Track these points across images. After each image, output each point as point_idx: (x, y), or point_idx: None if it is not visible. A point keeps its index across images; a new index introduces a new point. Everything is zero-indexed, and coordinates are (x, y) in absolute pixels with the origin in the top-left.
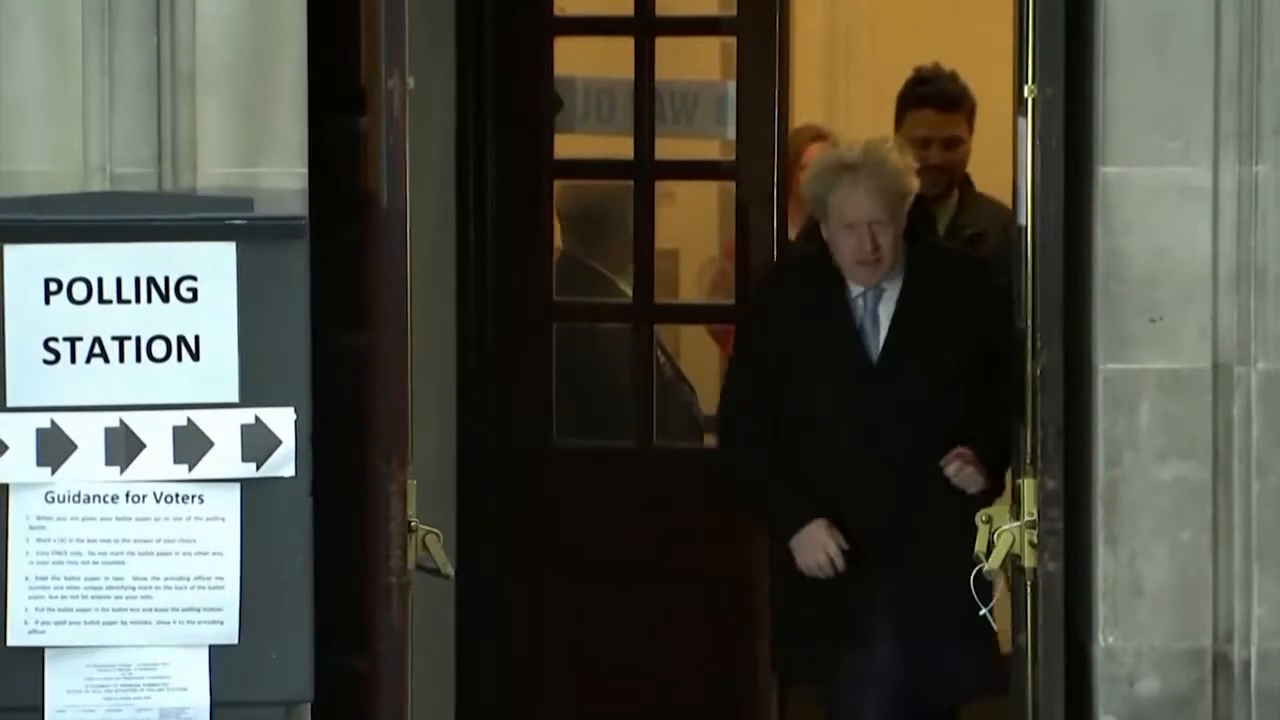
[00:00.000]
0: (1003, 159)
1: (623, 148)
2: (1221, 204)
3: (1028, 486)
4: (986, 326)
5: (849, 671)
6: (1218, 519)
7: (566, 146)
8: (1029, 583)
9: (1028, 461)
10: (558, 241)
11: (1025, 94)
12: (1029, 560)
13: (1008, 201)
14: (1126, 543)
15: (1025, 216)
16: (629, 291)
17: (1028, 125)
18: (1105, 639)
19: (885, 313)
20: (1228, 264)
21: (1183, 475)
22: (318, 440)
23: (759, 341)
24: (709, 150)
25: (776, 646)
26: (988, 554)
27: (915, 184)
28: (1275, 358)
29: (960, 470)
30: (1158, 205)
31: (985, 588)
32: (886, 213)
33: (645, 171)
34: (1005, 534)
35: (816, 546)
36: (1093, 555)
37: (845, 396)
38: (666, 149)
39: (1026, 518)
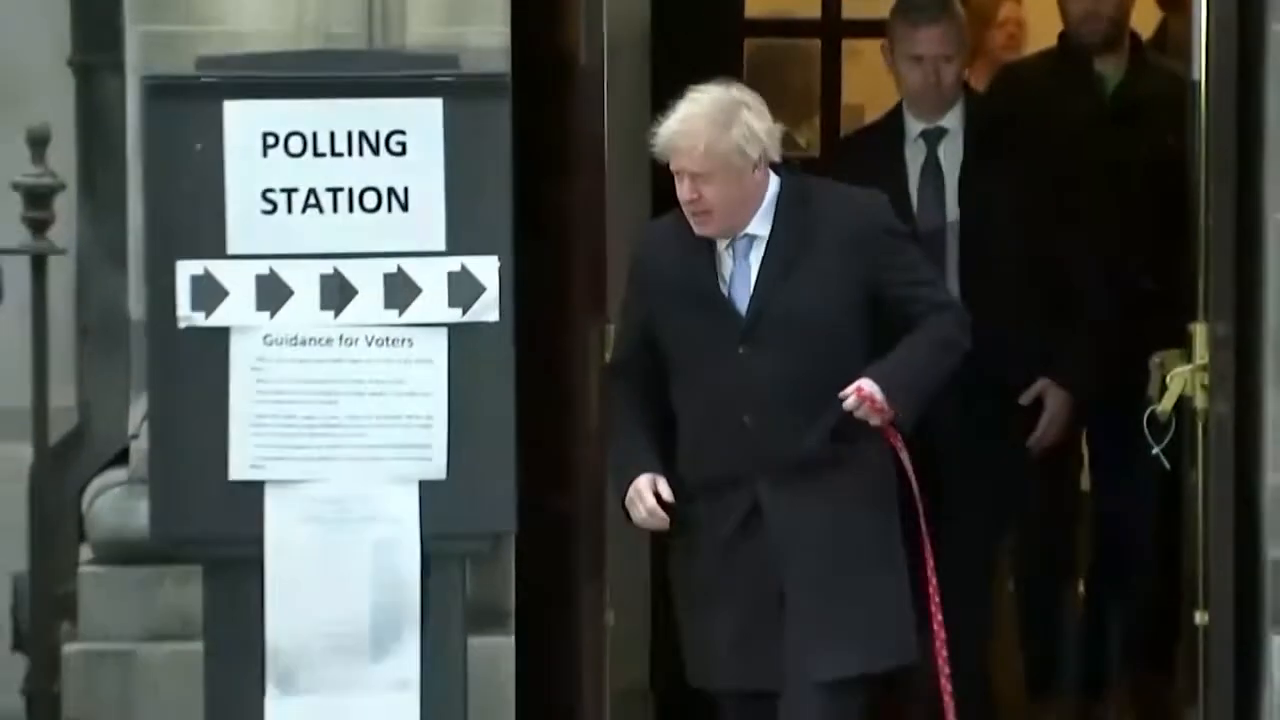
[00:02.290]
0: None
1: (811, 7)
2: None
3: (1200, 332)
4: (865, 269)
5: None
6: None
7: (757, 6)
8: (1200, 424)
9: (1201, 306)
10: None
11: None
12: (1200, 402)
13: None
14: None
15: (1199, 71)
16: (803, 144)
17: None
18: (1274, 478)
19: (755, 259)
20: None
21: None
22: (520, 286)
23: (633, 301)
24: None
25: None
26: (1160, 397)
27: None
28: None
29: (858, 404)
30: None
31: (1158, 430)
32: None
33: (833, 30)
34: (1178, 378)
35: (636, 500)
36: (1262, 398)
37: (715, 353)
38: (854, 8)
39: (1198, 362)
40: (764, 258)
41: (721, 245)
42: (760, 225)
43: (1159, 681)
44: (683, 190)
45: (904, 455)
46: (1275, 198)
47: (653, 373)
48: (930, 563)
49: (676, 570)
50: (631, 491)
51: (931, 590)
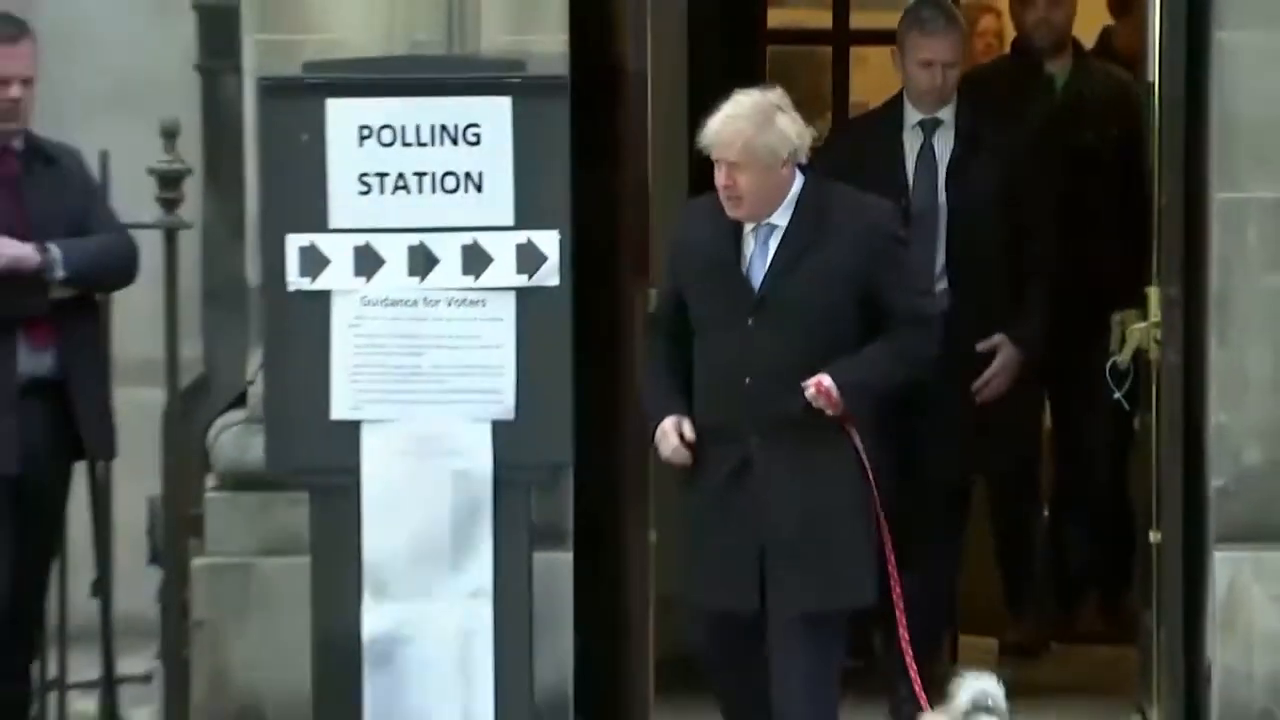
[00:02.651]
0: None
1: (823, 19)
2: None
3: (1153, 294)
4: (866, 269)
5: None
6: None
7: (777, 18)
8: (1154, 372)
9: (1154, 272)
10: None
11: None
12: (1154, 354)
13: (1117, 70)
14: (1235, 341)
15: (1153, 73)
16: (816, 136)
17: None
18: (1217, 418)
19: (773, 245)
20: None
21: None
22: (576, 256)
23: (670, 267)
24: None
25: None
26: (1120, 349)
27: None
28: None
29: (815, 397)
30: (1266, 64)
31: (1118, 377)
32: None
33: (842, 39)
34: (1134, 332)
35: (662, 439)
36: (1206, 350)
37: (728, 321)
38: (860, 20)
39: (1152, 319)
40: (779, 245)
41: (747, 229)
42: (781, 216)
43: (1119, 592)
44: (720, 176)
45: (857, 440)
46: (1217, 181)
47: (683, 329)
48: (886, 527)
49: (682, 501)
50: (659, 432)
51: (888, 549)
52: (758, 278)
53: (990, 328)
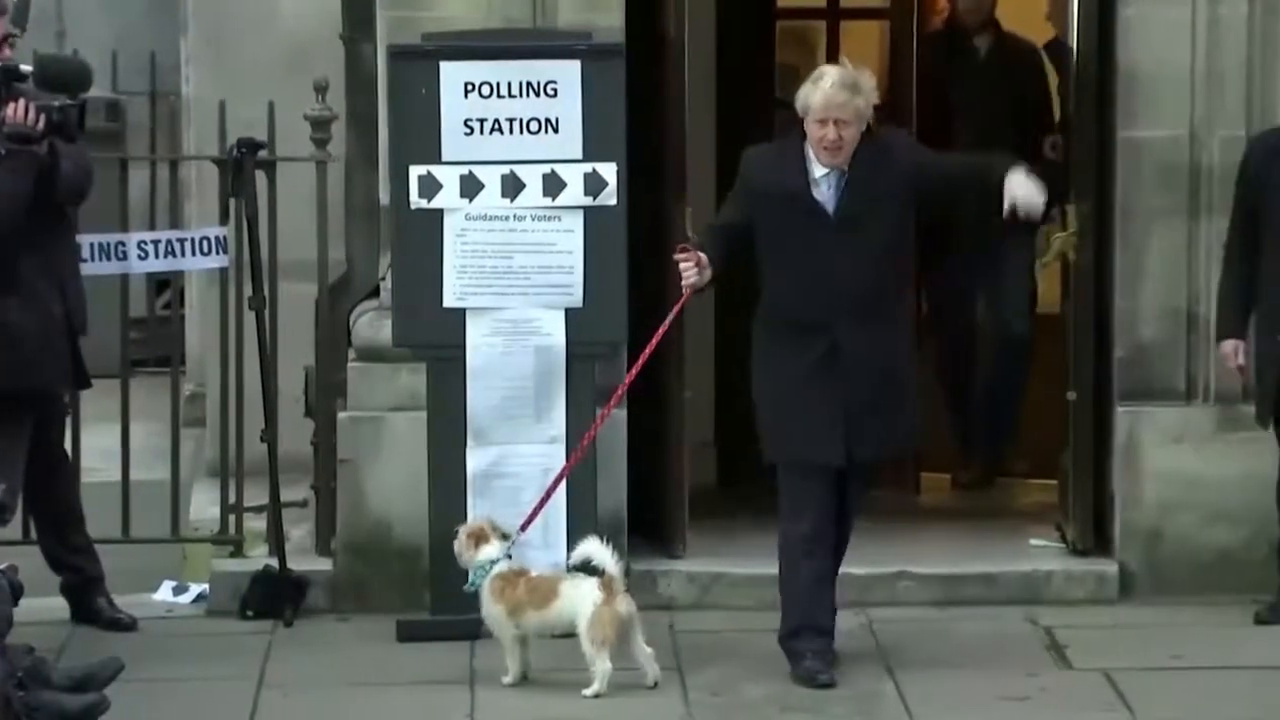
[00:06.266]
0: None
1: None
2: (1196, 32)
3: (1072, 210)
4: (913, 175)
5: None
6: (1192, 231)
7: None
8: (1073, 270)
9: (1074, 193)
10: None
11: None
12: (1073, 255)
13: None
14: (1134, 245)
15: (1073, 39)
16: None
17: None
18: (1119, 304)
19: (842, 181)
20: (1200, 69)
21: (1170, 205)
22: (630, 183)
23: (740, 197)
24: None
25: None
26: (1046, 253)
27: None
28: (1230, 128)
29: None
30: (1160, 31)
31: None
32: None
33: (834, 15)
34: (1057, 240)
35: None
36: (1113, 254)
37: (812, 239)
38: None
39: (1071, 229)
40: (849, 181)
41: (820, 171)
42: (846, 160)
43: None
44: (828, 132)
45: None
46: (1120, 122)
47: (737, 236)
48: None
49: (763, 384)
50: (692, 256)
51: None
52: (830, 205)
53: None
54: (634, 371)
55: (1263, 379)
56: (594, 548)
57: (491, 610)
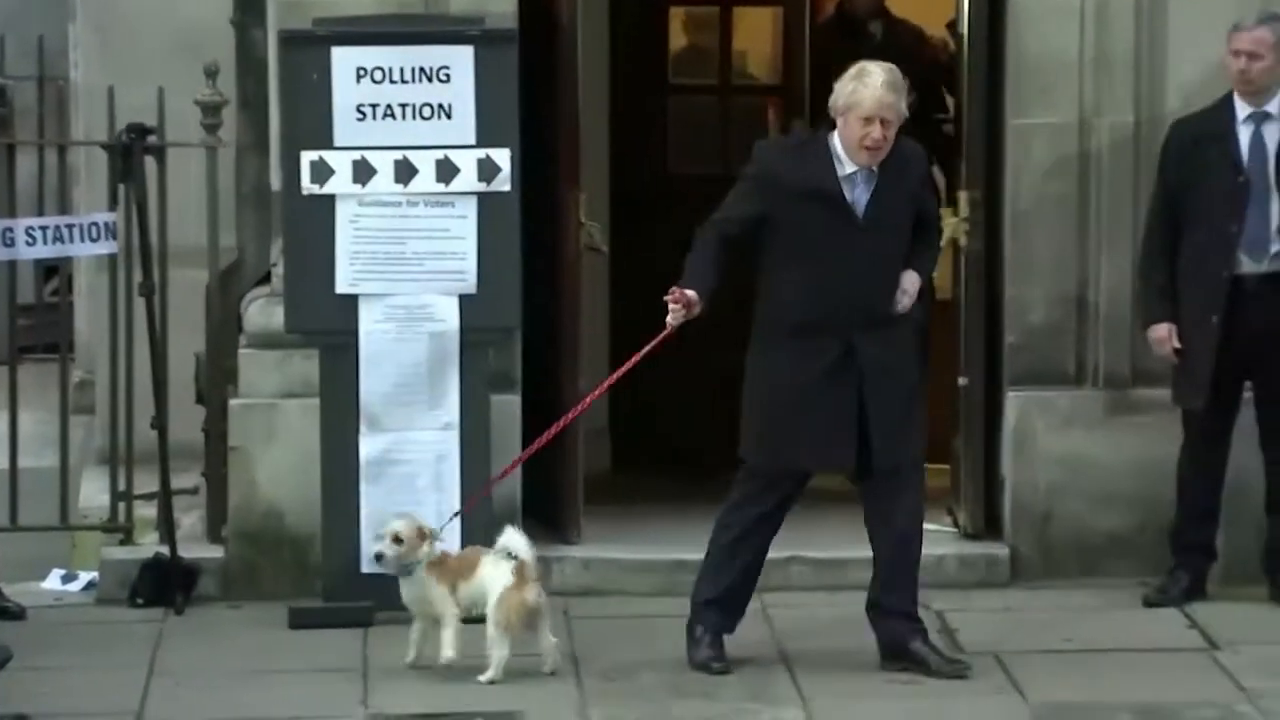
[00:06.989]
0: None
1: None
2: (1085, 19)
3: (963, 197)
4: (921, 194)
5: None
6: (1083, 217)
7: None
8: (963, 257)
9: (963, 180)
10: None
11: None
12: (963, 241)
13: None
14: (1024, 233)
15: (964, 26)
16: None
17: None
18: (1010, 290)
19: (871, 183)
20: (1089, 56)
21: (1062, 191)
22: (524, 169)
23: (753, 194)
24: None
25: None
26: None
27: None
28: (1119, 114)
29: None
30: (1048, 19)
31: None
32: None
33: (727, 1)
34: (948, 224)
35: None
36: (1002, 240)
37: (836, 238)
38: None
39: (962, 215)
40: (876, 186)
41: (849, 170)
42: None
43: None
44: (873, 130)
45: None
46: (1010, 110)
47: (738, 239)
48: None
49: (765, 388)
50: (679, 292)
51: None
52: (860, 205)
53: None
54: (599, 390)
55: (1194, 361)
56: (513, 536)
57: (434, 593)
